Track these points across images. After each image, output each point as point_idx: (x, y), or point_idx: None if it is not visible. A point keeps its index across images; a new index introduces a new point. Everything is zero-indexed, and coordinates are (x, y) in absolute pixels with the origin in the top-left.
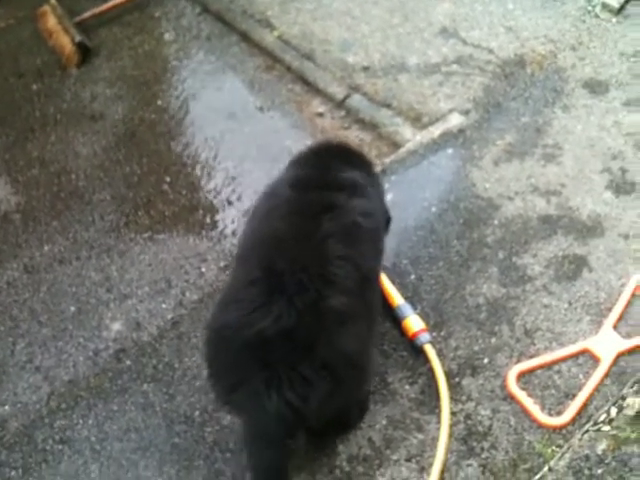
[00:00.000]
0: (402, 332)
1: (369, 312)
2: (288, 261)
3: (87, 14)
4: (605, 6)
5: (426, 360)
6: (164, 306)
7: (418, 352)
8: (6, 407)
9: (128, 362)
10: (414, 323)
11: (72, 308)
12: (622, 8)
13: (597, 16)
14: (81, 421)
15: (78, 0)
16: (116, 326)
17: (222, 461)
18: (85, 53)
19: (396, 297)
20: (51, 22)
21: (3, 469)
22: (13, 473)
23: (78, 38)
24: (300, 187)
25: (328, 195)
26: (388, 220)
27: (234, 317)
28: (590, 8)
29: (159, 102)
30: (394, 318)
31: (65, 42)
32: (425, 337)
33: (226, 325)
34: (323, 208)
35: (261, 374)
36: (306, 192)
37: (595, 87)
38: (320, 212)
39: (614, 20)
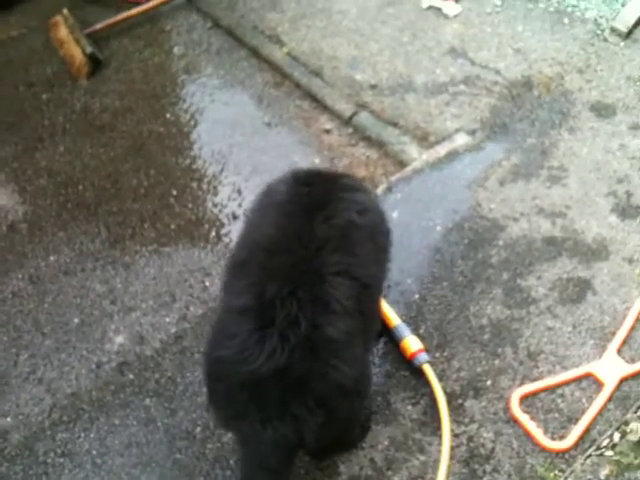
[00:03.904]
0: (400, 353)
1: (367, 325)
2: (279, 283)
3: (99, 25)
4: (614, 30)
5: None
6: (168, 320)
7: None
8: (8, 419)
9: (131, 376)
10: (412, 343)
11: (76, 320)
12: (630, 32)
13: (605, 40)
14: (83, 434)
15: (90, 11)
16: (119, 339)
17: (223, 478)
18: (96, 64)
19: (393, 318)
20: (63, 32)
21: None
22: None
23: (89, 49)
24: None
25: (323, 191)
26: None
27: (228, 354)
28: (599, 32)
29: (167, 115)
30: (392, 339)
31: (76, 53)
32: (423, 357)
33: (221, 361)
34: (316, 205)
35: (256, 413)
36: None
37: (602, 110)
38: (313, 209)
39: (622, 44)
